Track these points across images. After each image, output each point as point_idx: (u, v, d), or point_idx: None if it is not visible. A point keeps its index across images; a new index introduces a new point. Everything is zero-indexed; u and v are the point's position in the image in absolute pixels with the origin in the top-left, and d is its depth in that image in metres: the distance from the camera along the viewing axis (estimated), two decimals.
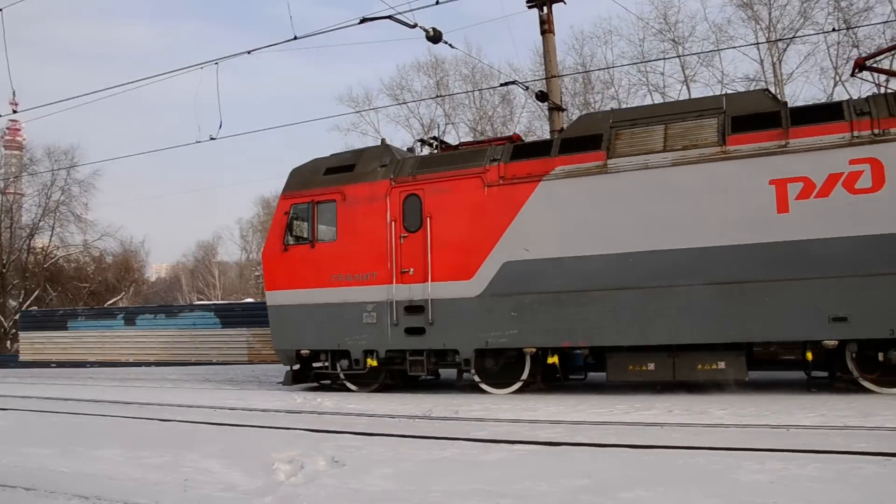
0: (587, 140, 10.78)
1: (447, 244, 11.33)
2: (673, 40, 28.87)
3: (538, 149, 11.16)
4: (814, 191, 9.46)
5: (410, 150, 13.14)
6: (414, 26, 12.93)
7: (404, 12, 12.84)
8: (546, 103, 15.48)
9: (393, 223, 11.70)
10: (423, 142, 12.97)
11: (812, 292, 9.35)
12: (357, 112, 35.76)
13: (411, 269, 11.51)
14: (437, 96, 32.66)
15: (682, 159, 10.12)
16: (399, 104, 35.56)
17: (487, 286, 11.01)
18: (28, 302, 45.93)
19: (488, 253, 11.02)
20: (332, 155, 12.90)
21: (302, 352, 12.36)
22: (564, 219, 10.63)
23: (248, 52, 14.08)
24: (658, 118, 10.67)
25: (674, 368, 10.15)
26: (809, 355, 9.58)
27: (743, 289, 9.69)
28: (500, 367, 11.24)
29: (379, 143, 12.89)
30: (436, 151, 12.85)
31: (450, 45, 14.62)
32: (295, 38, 12.77)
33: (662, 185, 10.16)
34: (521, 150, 11.26)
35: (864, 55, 11.76)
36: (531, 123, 32.61)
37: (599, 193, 10.48)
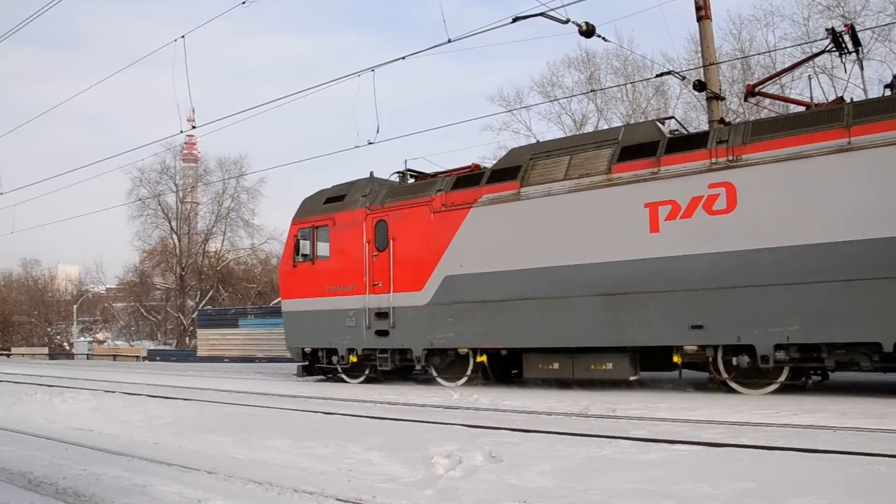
0: (508, 171, 12.59)
1: (405, 261, 13.61)
2: (843, 16, 26.65)
3: (473, 180, 13.08)
4: (679, 212, 10.67)
5: (402, 177, 15.40)
6: (566, 22, 12.82)
7: (556, 8, 12.81)
8: (704, 92, 15.04)
9: (367, 244, 14.18)
10: (401, 173, 15.15)
11: (676, 303, 10.59)
12: (508, 111, 35.44)
13: (380, 282, 13.92)
14: (591, 91, 31.77)
15: (576, 187, 11.66)
16: (550, 101, 34.73)
17: (433, 296, 13.16)
18: (203, 301, 52.79)
19: (434, 268, 13.16)
20: (332, 186, 15.59)
21: (305, 349, 15.23)
22: (488, 239, 12.52)
23: (403, 58, 14.21)
24: (568, 150, 12.23)
25: (573, 367, 11.74)
26: (677, 358, 10.78)
27: (623, 300, 11.09)
28: (445, 364, 13.35)
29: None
30: (412, 181, 15.05)
31: (603, 38, 14.28)
32: (449, 40, 12.79)
33: (561, 210, 11.76)
34: (461, 181, 13.25)
35: (753, 82, 12.25)
36: (686, 114, 30.89)
37: (513, 217, 12.26)
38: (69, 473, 6.31)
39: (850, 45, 11.28)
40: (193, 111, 16.57)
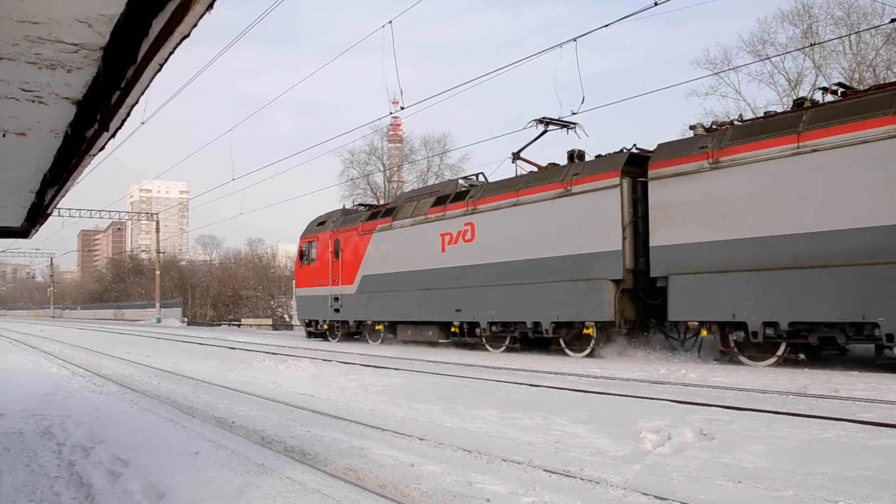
0: (391, 210, 19.93)
1: (347, 265, 21.46)
2: None
3: (376, 214, 20.52)
4: (453, 240, 17.39)
5: (358, 208, 23.06)
6: None
7: None
8: None
9: (331, 254, 22.21)
10: (362, 205, 22.84)
11: (449, 295, 17.40)
12: (715, 73, 33.02)
13: (337, 278, 21.92)
14: (811, 45, 29.22)
15: (414, 222, 18.72)
16: (761, 60, 31.98)
17: (357, 288, 20.89)
18: None
19: (358, 270, 20.87)
20: (325, 213, 23.77)
21: (306, 320, 23.75)
22: (381, 252, 19.96)
23: (607, 26, 13.87)
24: (417, 197, 19.26)
25: (416, 333, 18.88)
26: (454, 329, 17.51)
27: (430, 293, 18.07)
28: (368, 330, 21.04)
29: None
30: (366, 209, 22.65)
31: None
32: (655, 3, 12.62)
33: (407, 236, 18.88)
34: (371, 215, 20.76)
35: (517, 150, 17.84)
36: None
37: (390, 240, 19.59)
38: (295, 434, 6.68)
39: (568, 124, 16.96)
40: (402, 93, 17.05)
